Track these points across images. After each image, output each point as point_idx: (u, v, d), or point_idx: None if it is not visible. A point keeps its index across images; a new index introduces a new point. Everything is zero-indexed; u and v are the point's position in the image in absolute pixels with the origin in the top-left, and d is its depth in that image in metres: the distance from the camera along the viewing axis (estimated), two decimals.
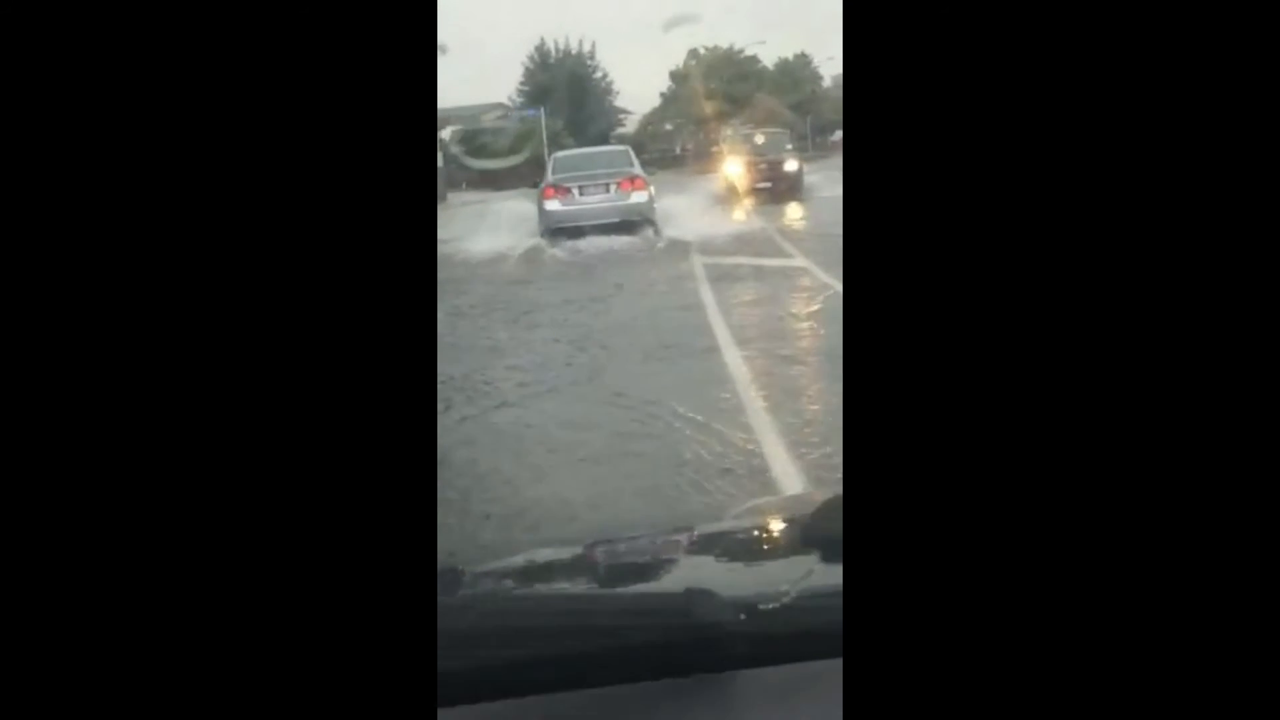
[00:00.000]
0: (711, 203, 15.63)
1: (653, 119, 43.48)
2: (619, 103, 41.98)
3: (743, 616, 0.74)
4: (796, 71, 47.31)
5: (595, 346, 6.14)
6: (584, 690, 0.72)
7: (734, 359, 5.47)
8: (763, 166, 17.78)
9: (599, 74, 40.77)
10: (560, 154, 14.92)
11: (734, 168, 18.13)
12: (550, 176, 12.89)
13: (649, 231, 11.93)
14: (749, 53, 43.42)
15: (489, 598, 1.02)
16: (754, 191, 16.95)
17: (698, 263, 9.53)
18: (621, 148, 16.02)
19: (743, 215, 14.26)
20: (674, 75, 43.69)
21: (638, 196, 12.26)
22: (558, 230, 11.84)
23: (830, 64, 44.68)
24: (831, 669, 0.61)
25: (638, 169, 13.15)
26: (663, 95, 43.85)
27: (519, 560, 1.23)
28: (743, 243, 10.96)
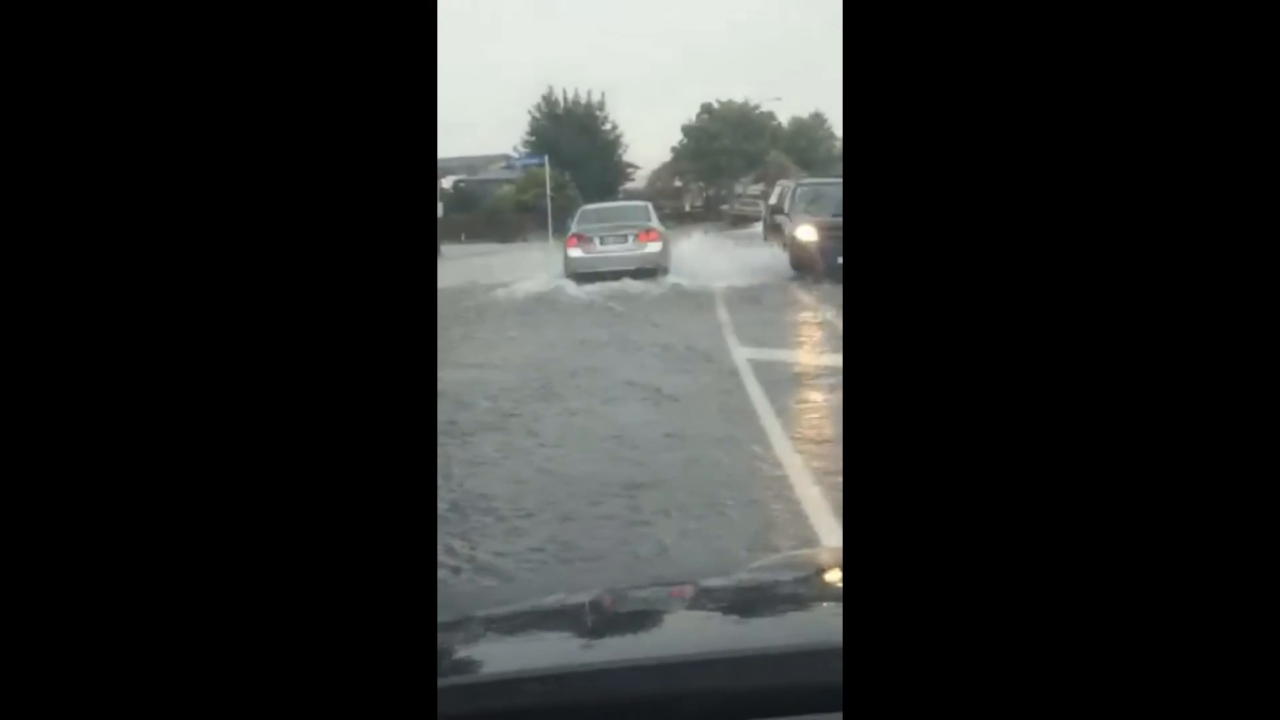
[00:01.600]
0: (756, 276, 12.98)
1: (662, 174, 41.61)
2: (628, 156, 40.12)
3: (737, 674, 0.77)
4: (812, 130, 45.66)
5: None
6: None
7: None
8: (839, 234, 10.89)
9: (608, 126, 38.90)
10: (586, 207, 16.33)
11: (806, 233, 12.70)
12: (575, 226, 14.39)
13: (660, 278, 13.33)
14: (764, 109, 41.65)
15: (489, 644, 1.05)
16: (829, 268, 11.47)
17: (741, 357, 7.29)
18: (642, 203, 16.88)
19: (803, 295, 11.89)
20: (686, 129, 41.99)
21: (652, 247, 13.79)
22: (580, 275, 13.27)
23: None
24: None
25: (655, 223, 14.55)
26: (673, 150, 42.04)
27: (524, 607, 1.23)
28: (803, 340, 8.71)
